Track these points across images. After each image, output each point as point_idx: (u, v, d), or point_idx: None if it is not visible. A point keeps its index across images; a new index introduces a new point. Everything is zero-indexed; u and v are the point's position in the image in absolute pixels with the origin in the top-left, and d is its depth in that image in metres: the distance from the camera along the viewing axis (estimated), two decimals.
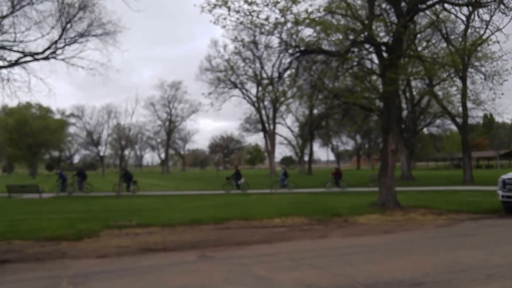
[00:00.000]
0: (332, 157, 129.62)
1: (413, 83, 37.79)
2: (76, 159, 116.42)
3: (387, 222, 12.91)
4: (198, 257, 8.14)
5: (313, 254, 8.34)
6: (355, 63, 17.42)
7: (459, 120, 36.08)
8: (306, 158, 73.49)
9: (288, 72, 17.19)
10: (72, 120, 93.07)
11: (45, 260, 8.06)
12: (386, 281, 6.15)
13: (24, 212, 15.56)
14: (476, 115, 41.98)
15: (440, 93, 32.26)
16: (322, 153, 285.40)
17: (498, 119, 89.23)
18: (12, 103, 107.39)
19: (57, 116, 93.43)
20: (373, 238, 10.24)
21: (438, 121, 54.17)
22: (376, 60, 17.65)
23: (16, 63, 20.19)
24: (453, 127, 57.07)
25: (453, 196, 20.71)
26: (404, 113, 42.63)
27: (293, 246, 9.26)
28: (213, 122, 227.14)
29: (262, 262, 7.50)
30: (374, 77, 21.46)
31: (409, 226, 12.18)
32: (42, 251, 8.92)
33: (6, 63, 20.06)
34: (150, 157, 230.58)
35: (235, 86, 59.40)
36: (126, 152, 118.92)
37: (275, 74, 17.75)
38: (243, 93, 61.12)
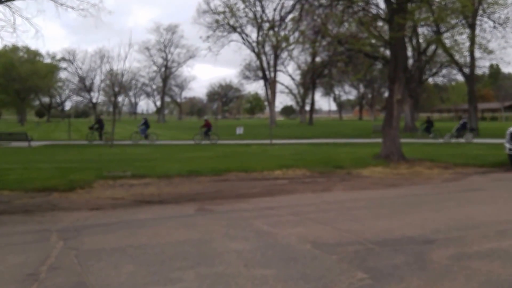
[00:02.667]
0: (333, 106, 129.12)
1: (419, 30, 36.56)
2: (68, 105, 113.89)
3: (391, 175, 12.60)
4: (196, 210, 7.79)
5: (317, 208, 7.97)
6: (360, 7, 16.59)
7: (466, 70, 35.25)
8: (307, 108, 72.71)
9: (291, 15, 16.38)
10: (63, 64, 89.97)
11: (34, 212, 7.68)
12: (396, 238, 5.81)
13: (12, 161, 14.95)
14: (483, 65, 41.14)
15: (447, 41, 31.21)
16: (323, 102, 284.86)
17: (505, 69, 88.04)
18: None
19: (47, 60, 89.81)
20: (378, 192, 9.90)
21: (443, 71, 53.24)
22: (382, 6, 16.77)
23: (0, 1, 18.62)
24: (459, 77, 56.25)
25: (458, 149, 20.38)
26: (410, 62, 41.62)
27: (295, 199, 8.92)
28: (212, 67, 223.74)
29: (264, 216, 7.14)
30: (380, 24, 20.59)
31: (415, 180, 11.86)
32: (31, 202, 8.52)
33: None
34: (145, 105, 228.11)
35: (234, 30, 57.38)
36: (120, 99, 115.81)
37: (277, 18, 16.92)
38: (242, 38, 59.13)
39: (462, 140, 26.43)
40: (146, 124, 27.10)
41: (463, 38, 24.23)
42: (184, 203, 8.58)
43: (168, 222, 6.82)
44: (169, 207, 8.22)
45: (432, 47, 39.40)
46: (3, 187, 9.67)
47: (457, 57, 34.28)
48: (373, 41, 19.92)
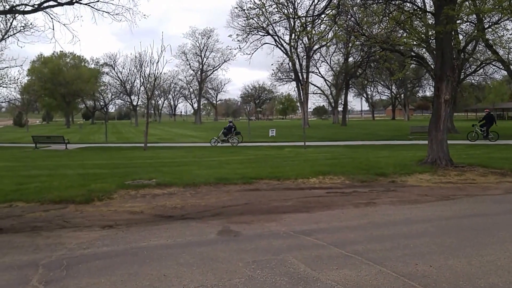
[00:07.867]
0: (365, 107, 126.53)
1: (459, 27, 34.45)
2: (112, 108, 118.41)
3: (441, 184, 11.16)
4: (219, 233, 6.54)
5: (364, 234, 6.41)
6: (397, 5, 15.34)
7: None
8: (340, 108, 71.10)
9: (327, 11, 15.21)
10: (106, 69, 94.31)
11: (41, 231, 6.76)
12: None
13: (41, 167, 14.55)
14: None
15: (490, 36, 29.23)
16: (356, 103, 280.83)
17: None
18: (48, 52, 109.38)
19: (92, 66, 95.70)
20: (433, 207, 8.41)
21: (481, 70, 50.90)
22: (419, 4, 15.44)
23: (39, 7, 18.92)
24: (497, 76, 53.67)
25: (510, 152, 18.48)
26: None
27: (336, 217, 7.54)
28: (248, 70, 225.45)
29: (299, 248, 5.73)
30: (416, 22, 19.21)
31: (470, 190, 10.35)
32: (43, 217, 7.70)
33: (29, 8, 18.84)
34: (184, 107, 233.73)
35: (267, 32, 56.88)
36: (160, 101, 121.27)
37: (310, 19, 15.82)
38: (275, 40, 58.62)
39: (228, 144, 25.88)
40: None
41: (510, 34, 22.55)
42: (208, 219, 7.47)
43: (182, 253, 5.51)
44: (190, 225, 7.08)
45: (471, 44, 37.32)
46: (20, 198, 9.03)
47: (501, 53, 32.21)
48: (410, 40, 18.55)
